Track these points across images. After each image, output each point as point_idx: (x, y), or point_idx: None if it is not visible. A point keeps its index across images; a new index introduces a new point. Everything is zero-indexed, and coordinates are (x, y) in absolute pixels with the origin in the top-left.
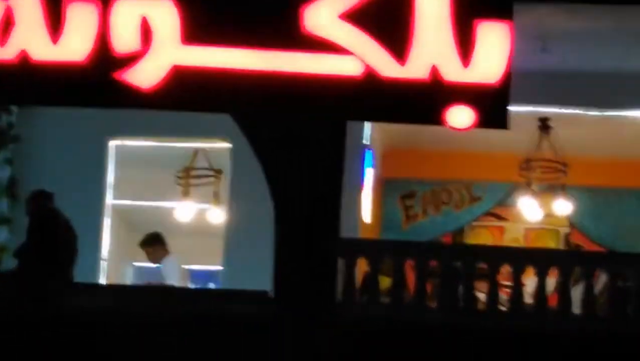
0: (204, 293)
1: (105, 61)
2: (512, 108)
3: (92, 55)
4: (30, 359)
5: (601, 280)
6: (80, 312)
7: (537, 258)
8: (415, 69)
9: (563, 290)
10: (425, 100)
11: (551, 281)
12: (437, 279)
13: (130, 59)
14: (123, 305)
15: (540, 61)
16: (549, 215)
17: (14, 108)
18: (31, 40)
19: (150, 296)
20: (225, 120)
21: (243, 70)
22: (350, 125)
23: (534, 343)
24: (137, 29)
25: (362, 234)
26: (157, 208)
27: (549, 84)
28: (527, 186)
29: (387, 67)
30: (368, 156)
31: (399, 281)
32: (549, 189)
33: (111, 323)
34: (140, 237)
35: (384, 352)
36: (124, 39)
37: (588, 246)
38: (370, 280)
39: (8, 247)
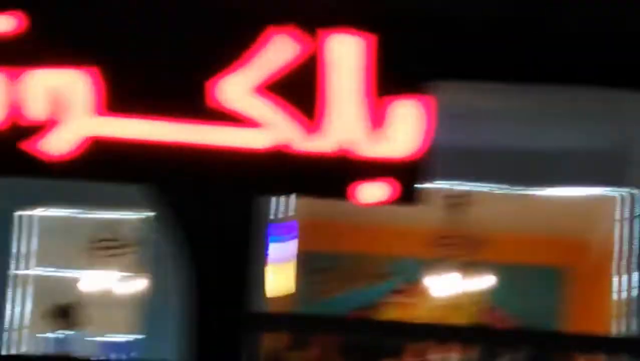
0: None
1: (14, 131)
2: (426, 185)
3: (4, 123)
4: None
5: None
6: None
7: (449, 333)
8: (326, 143)
9: None
10: (335, 175)
11: (454, 357)
12: (346, 355)
13: (40, 129)
14: None
15: (454, 138)
16: (460, 293)
17: None
18: None
19: None
20: (140, 190)
21: (156, 141)
22: (266, 200)
23: None
24: (48, 99)
25: (276, 307)
26: (68, 278)
27: (462, 161)
28: (441, 262)
29: (298, 140)
30: (288, 228)
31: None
32: (463, 266)
33: None
34: (49, 307)
35: None
36: (34, 109)
37: (499, 323)
38: (278, 356)
39: None
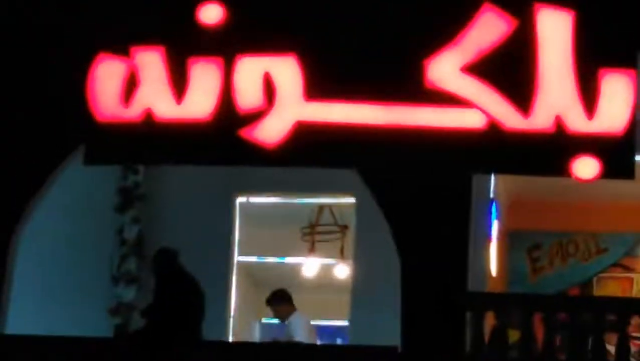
0: (331, 349)
1: (230, 119)
2: (639, 157)
3: (216, 113)
4: None
5: None
6: None
7: None
8: (539, 120)
9: None
10: (550, 152)
11: None
12: (566, 332)
13: (254, 116)
14: None
15: None
16: None
17: (140, 167)
18: (156, 100)
19: (277, 354)
20: (350, 175)
21: (366, 124)
22: (476, 177)
23: None
24: (260, 86)
25: (489, 287)
26: (283, 264)
27: None
28: None
29: (510, 118)
30: (494, 208)
31: (528, 335)
32: None
33: None
34: (267, 293)
35: None
36: (247, 96)
37: None
38: (499, 333)
39: (136, 306)
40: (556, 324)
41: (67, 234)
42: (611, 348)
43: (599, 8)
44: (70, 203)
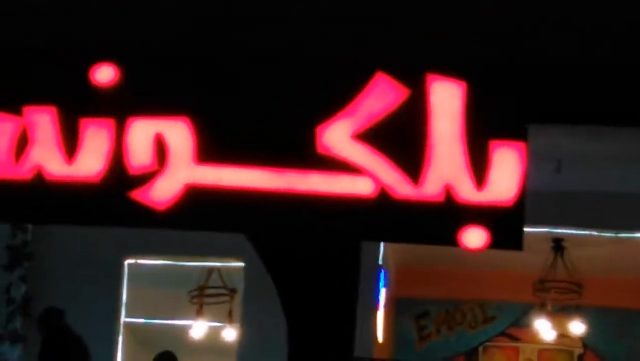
0: None
1: (120, 180)
2: (526, 228)
3: (106, 174)
4: None
5: None
6: None
7: None
8: (429, 189)
9: None
10: (439, 221)
11: None
12: None
13: (145, 178)
14: None
15: (555, 182)
16: (563, 336)
17: (29, 226)
18: (46, 159)
19: None
20: (239, 238)
21: (256, 189)
22: (365, 244)
23: None
24: (151, 148)
25: (375, 354)
26: (171, 326)
27: (563, 204)
28: (541, 306)
29: (400, 187)
30: (382, 276)
31: None
32: (563, 310)
33: None
34: (153, 355)
35: None
36: (138, 158)
37: None
38: None
39: None
40: None
41: None
42: None
43: (491, 82)
44: None
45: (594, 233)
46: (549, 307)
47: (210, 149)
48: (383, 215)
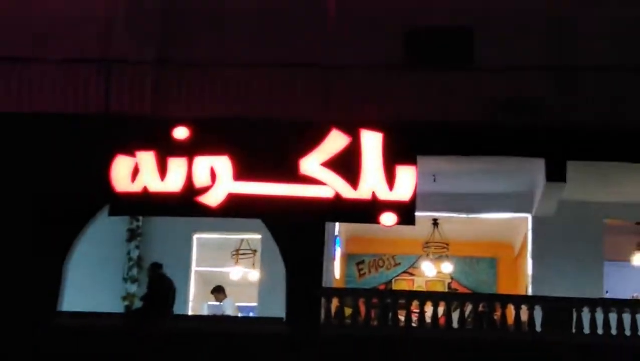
0: (245, 318)
1: (190, 191)
2: (417, 213)
3: (183, 188)
4: (146, 356)
5: (469, 308)
6: (175, 331)
7: (433, 296)
8: (362, 193)
9: (448, 313)
10: (368, 210)
11: (440, 309)
12: (378, 309)
13: (205, 190)
14: (200, 326)
15: (432, 187)
16: (439, 272)
17: (140, 218)
18: (149, 180)
19: (214, 322)
20: (257, 221)
21: (265, 195)
22: (328, 224)
23: (431, 345)
24: (208, 172)
25: (334, 285)
26: (220, 271)
27: (437, 199)
28: (426, 256)
29: (346, 192)
30: (338, 241)
31: (356, 311)
32: (439, 257)
33: (193, 337)
34: (210, 288)
35: (346, 352)
36: (200, 178)
37: (461, 289)
38: (339, 310)
39: (137, 295)
40: (372, 304)
41: (99, 255)
42: (402, 318)
43: (396, 131)
44: (104, 236)
45: (455, 215)
46: (430, 256)
47: (241, 172)
48: (337, 208)
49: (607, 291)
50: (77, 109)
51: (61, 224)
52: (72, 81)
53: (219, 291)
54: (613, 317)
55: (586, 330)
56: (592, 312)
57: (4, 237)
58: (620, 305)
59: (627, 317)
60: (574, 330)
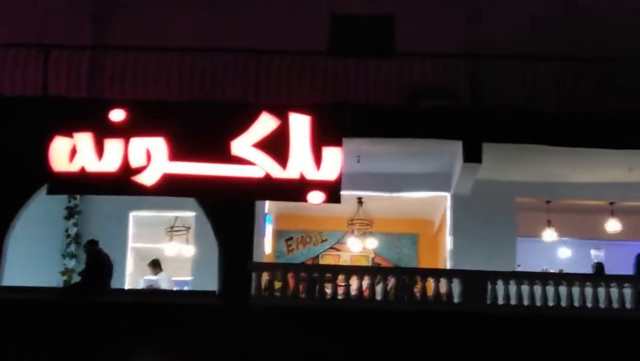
0: (180, 292)
1: (127, 171)
2: (343, 192)
3: (120, 168)
4: (84, 328)
5: (391, 281)
6: (113, 304)
7: (357, 270)
8: (291, 172)
9: (372, 286)
10: (296, 189)
11: (365, 283)
12: (305, 282)
13: (140, 170)
14: (137, 299)
15: (357, 167)
16: (363, 248)
17: (77, 196)
18: (87, 160)
19: (150, 295)
20: (191, 200)
21: (199, 175)
22: (259, 203)
23: (358, 316)
24: (144, 153)
25: (265, 260)
26: (156, 248)
27: (362, 179)
28: (351, 233)
29: (275, 172)
30: (268, 218)
31: (285, 285)
32: (363, 234)
33: (130, 310)
34: (146, 263)
35: (276, 323)
36: (136, 159)
37: (384, 263)
38: (270, 283)
39: (75, 270)
40: (301, 278)
41: (38, 233)
42: (329, 291)
43: (323, 115)
44: (42, 214)
45: (378, 193)
46: (355, 233)
47: (175, 153)
48: (267, 187)
49: (519, 265)
50: (16, 91)
51: (0, 203)
52: (11, 64)
53: (155, 266)
54: (525, 289)
55: (500, 301)
56: (506, 284)
57: None
58: (531, 277)
59: (538, 289)
60: (489, 301)
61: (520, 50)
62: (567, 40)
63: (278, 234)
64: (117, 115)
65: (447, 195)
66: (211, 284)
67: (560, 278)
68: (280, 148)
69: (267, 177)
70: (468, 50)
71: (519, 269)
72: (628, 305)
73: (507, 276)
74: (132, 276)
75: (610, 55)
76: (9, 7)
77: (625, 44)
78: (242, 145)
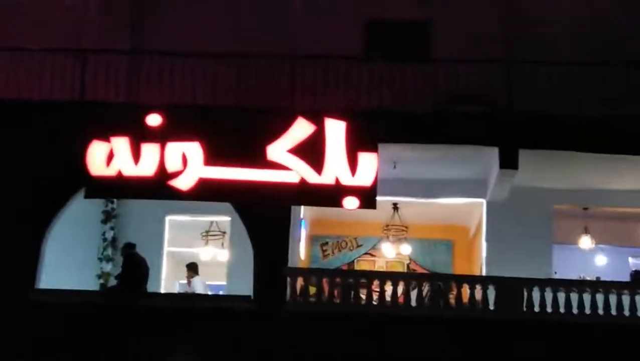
0: (214, 296)
1: (163, 175)
2: (378, 198)
3: (156, 172)
4: (120, 331)
5: (426, 287)
6: (148, 307)
7: (392, 276)
8: (326, 177)
9: (407, 292)
10: (331, 194)
11: (400, 288)
12: (340, 288)
13: (176, 174)
14: (172, 303)
15: (392, 173)
16: (398, 254)
17: (115, 200)
18: (123, 164)
19: (186, 299)
20: (227, 205)
21: (234, 180)
22: (294, 207)
23: (392, 322)
24: (180, 157)
25: (300, 265)
26: (191, 252)
27: (397, 184)
28: (387, 238)
29: (311, 177)
30: (303, 223)
31: (319, 289)
32: (398, 240)
33: (165, 313)
34: (184, 267)
35: (310, 328)
36: (172, 163)
37: (419, 270)
38: (304, 289)
39: (112, 273)
40: (335, 283)
41: (76, 236)
42: (364, 296)
43: (358, 120)
44: (79, 218)
45: (414, 199)
46: (390, 238)
47: (211, 158)
48: (302, 192)
49: (555, 272)
50: (55, 97)
51: (39, 206)
52: (49, 70)
53: (191, 268)
54: (561, 296)
55: (536, 309)
56: (542, 292)
57: None
58: (568, 285)
59: (574, 296)
60: (524, 309)
61: (556, 55)
62: (604, 45)
63: (313, 239)
64: (154, 119)
65: (483, 202)
66: (246, 289)
67: (597, 285)
68: (315, 153)
69: (303, 182)
70: (504, 55)
71: (555, 276)
72: None
73: (543, 283)
74: (167, 280)
75: None
76: (46, 14)
77: None
78: (278, 150)
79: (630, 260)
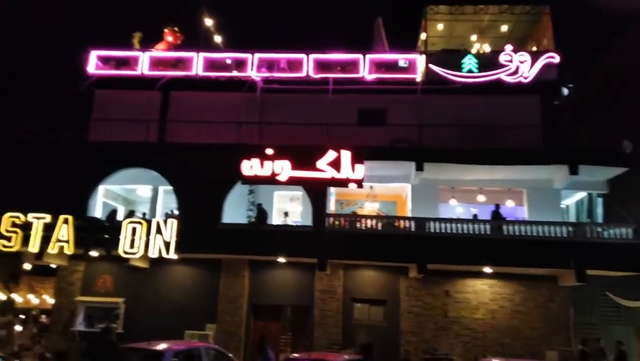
0: (298, 226)
1: (273, 174)
2: (364, 184)
3: (270, 173)
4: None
5: (385, 221)
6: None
7: (371, 217)
8: (342, 175)
9: (376, 224)
10: (344, 182)
11: (374, 221)
12: (349, 221)
13: (279, 174)
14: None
15: (369, 173)
16: (372, 207)
17: (252, 186)
18: (256, 170)
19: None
20: (299, 188)
21: (305, 177)
22: (328, 188)
23: (373, 237)
24: (280, 166)
25: (330, 211)
26: (286, 208)
27: (372, 179)
28: (368, 200)
29: (335, 175)
30: (332, 195)
31: (339, 223)
32: (373, 201)
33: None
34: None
35: (336, 240)
36: (277, 169)
37: (382, 214)
38: (333, 222)
39: (252, 216)
40: (346, 219)
41: (236, 202)
42: None
43: (356, 152)
44: (238, 194)
45: (379, 183)
46: (369, 200)
47: (294, 167)
48: (331, 182)
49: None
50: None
51: (223, 187)
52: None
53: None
54: (450, 225)
55: (434, 230)
56: (440, 223)
57: (200, 193)
58: (450, 221)
59: (456, 226)
60: (429, 230)
61: None
62: None
63: (337, 201)
64: (269, 150)
65: (409, 185)
66: (309, 222)
67: (474, 221)
68: (337, 164)
69: (332, 178)
70: (420, 121)
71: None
72: None
73: (440, 220)
74: (276, 216)
75: None
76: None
77: None
78: (321, 163)
79: (472, 209)
